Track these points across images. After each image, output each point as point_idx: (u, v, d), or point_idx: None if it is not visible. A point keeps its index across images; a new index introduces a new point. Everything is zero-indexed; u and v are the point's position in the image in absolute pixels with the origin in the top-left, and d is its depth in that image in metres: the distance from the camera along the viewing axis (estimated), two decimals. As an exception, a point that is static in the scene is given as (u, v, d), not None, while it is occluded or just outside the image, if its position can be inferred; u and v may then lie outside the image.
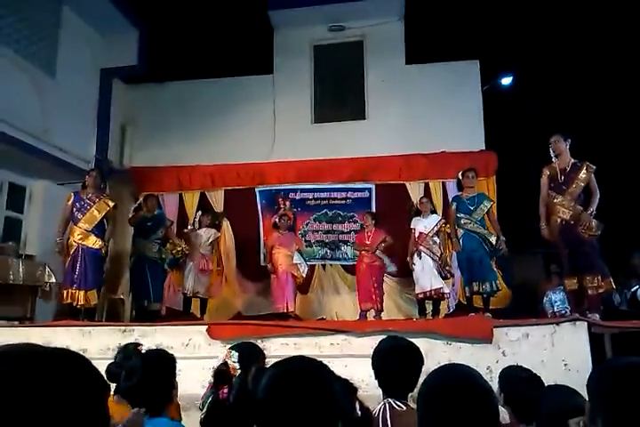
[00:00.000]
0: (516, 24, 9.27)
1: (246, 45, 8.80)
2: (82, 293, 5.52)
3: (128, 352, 2.61)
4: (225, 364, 2.21)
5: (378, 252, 6.73)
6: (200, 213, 7.54)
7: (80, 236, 5.62)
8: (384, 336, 3.68)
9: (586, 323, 3.68)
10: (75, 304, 5.51)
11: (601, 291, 4.45)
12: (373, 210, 7.93)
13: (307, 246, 7.98)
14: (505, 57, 9.42)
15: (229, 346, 2.37)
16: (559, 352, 3.64)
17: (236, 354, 2.24)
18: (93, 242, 5.68)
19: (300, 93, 8.74)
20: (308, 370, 1.19)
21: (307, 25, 8.66)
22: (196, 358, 3.79)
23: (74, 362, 0.74)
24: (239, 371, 2.18)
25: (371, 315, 6.58)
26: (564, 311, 5.95)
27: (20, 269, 5.52)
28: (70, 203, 5.74)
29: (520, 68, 9.73)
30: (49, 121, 6.96)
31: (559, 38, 9.19)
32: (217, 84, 8.90)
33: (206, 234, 7.18)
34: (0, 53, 6.32)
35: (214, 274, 7.68)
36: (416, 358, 2.03)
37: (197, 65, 9.00)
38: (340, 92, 8.89)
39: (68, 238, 5.67)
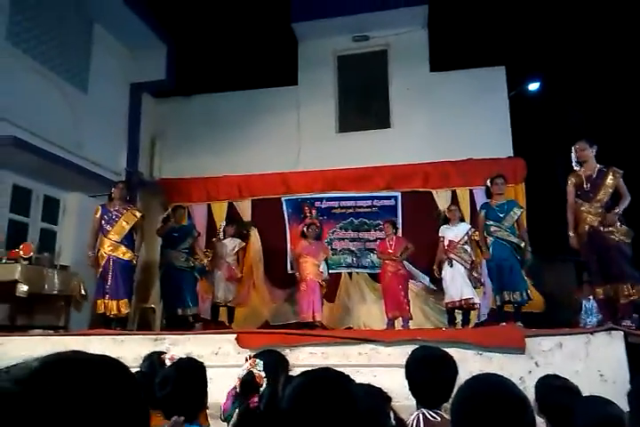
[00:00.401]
0: (541, 29, 9.20)
1: (271, 57, 8.94)
2: (114, 302, 5.64)
3: (153, 361, 2.64)
4: (250, 373, 2.22)
5: (405, 263, 6.72)
6: (224, 223, 7.65)
7: (110, 247, 5.76)
8: (412, 346, 3.68)
9: (622, 332, 3.58)
10: (108, 314, 5.63)
11: (632, 299, 4.33)
12: (399, 218, 7.93)
13: (333, 254, 7.99)
14: (531, 63, 9.33)
15: (253, 355, 2.38)
16: (594, 363, 3.54)
17: (261, 362, 2.25)
18: (123, 253, 5.81)
19: (324, 103, 8.80)
20: (332, 381, 1.19)
21: (330, 36, 8.75)
22: (226, 366, 3.81)
23: (123, 370, 0.76)
24: (265, 379, 2.19)
25: (398, 324, 6.53)
26: (596, 321, 5.82)
27: (55, 280, 5.66)
28: (98, 216, 5.87)
29: (547, 73, 9.62)
30: (81, 135, 7.18)
31: (586, 42, 9.07)
32: (243, 96, 9.05)
33: (231, 244, 7.28)
34: (35, 70, 6.56)
35: (242, 282, 7.76)
36: (450, 367, 2.00)
37: (224, 78, 9.17)
38: (364, 101, 8.93)
39: (99, 250, 5.81)
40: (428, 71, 8.56)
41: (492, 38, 8.94)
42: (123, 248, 5.82)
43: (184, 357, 2.64)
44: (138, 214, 6.00)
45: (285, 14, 8.69)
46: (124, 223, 5.86)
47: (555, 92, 9.85)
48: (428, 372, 1.98)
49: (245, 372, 2.23)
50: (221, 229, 7.50)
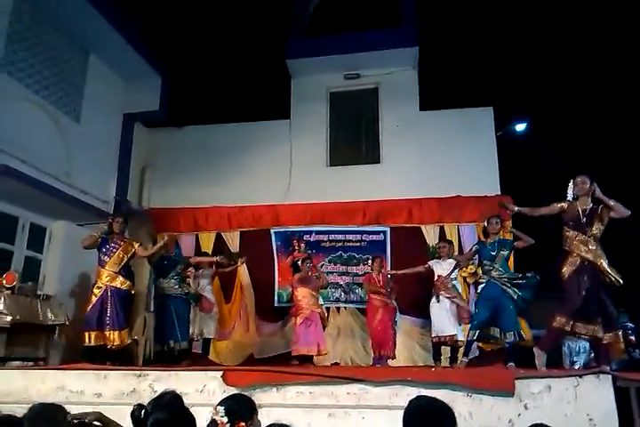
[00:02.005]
0: (528, 72, 9.52)
1: (264, 92, 9.10)
2: (116, 333, 5.57)
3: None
4: (213, 421, 2.23)
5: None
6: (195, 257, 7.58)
7: (108, 278, 5.74)
8: (402, 386, 3.63)
9: (610, 376, 3.57)
10: (109, 346, 5.54)
11: (606, 342, 4.36)
12: (388, 253, 7.97)
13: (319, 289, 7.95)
14: (518, 104, 9.60)
15: (218, 402, 2.38)
16: (584, 406, 3.51)
17: (222, 408, 2.26)
18: (121, 283, 5.80)
19: (315, 137, 8.92)
20: None
21: (323, 73, 8.95)
22: (211, 405, 3.73)
23: None
24: (228, 424, 2.21)
25: (383, 360, 6.47)
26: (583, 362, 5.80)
27: (38, 310, 5.56)
28: (98, 242, 5.85)
29: (534, 113, 9.88)
30: (72, 163, 7.18)
31: (572, 84, 9.38)
32: (235, 128, 9.15)
33: (204, 276, 7.18)
34: (29, 99, 6.60)
35: (229, 316, 7.66)
36: (449, 420, 1.94)
37: (217, 110, 9.30)
38: (355, 137, 9.07)
39: (96, 281, 5.76)
40: (418, 109, 8.75)
41: (481, 80, 9.23)
42: (121, 278, 5.82)
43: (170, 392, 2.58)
44: (136, 245, 6.05)
45: (280, 50, 8.90)
46: (122, 254, 5.89)
47: (541, 131, 10.10)
48: (425, 424, 1.93)
49: (209, 421, 2.24)
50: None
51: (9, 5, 6.33)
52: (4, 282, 5.46)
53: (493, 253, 5.38)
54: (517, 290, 5.25)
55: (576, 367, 5.60)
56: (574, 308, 4.49)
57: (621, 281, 4.42)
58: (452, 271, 6.45)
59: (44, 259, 6.95)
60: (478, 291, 5.45)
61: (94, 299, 5.64)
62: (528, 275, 5.43)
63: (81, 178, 7.25)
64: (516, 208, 5.23)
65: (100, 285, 5.69)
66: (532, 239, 5.43)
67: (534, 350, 4.58)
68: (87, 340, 5.52)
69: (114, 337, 5.55)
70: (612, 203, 4.53)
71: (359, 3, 9.34)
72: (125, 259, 5.86)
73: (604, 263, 4.46)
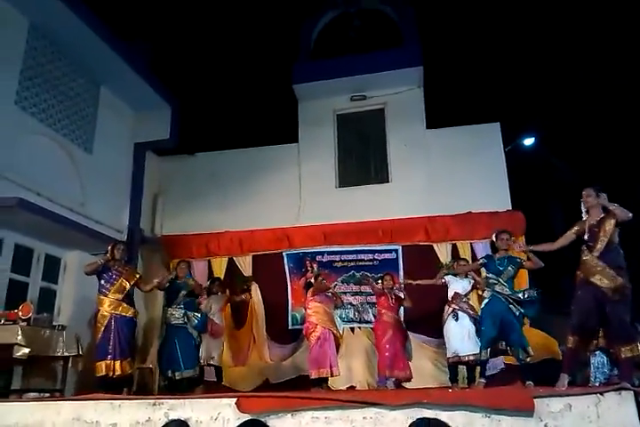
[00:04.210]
0: (533, 85, 9.54)
1: (272, 117, 9.24)
2: (118, 362, 5.53)
3: None
4: None
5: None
6: (209, 281, 7.58)
7: (111, 306, 5.72)
8: (419, 409, 3.56)
9: (632, 392, 3.47)
10: (112, 375, 5.49)
11: (628, 356, 4.22)
12: (400, 271, 7.93)
13: (334, 308, 7.89)
14: (525, 118, 9.62)
15: None
16: (605, 424, 3.41)
17: None
18: (126, 310, 5.79)
19: (324, 159, 8.99)
20: None
21: (329, 96, 9.06)
22: (225, 433, 3.69)
23: None
24: None
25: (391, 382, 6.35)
26: (603, 378, 5.64)
27: (54, 341, 5.57)
28: (99, 269, 5.87)
29: (541, 127, 9.88)
30: (85, 194, 7.31)
31: (576, 94, 9.39)
32: (245, 153, 9.26)
33: (216, 301, 7.17)
34: (42, 133, 6.75)
35: (243, 342, 7.61)
36: None
37: (226, 136, 9.44)
38: (363, 157, 9.12)
39: (99, 310, 5.77)
40: (425, 128, 8.78)
41: (486, 95, 9.28)
42: (124, 305, 5.81)
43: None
44: (137, 275, 6.05)
45: (286, 76, 9.05)
46: (125, 282, 5.88)
47: (550, 145, 10.08)
48: None
49: None
50: (205, 288, 7.35)
51: (22, 43, 6.54)
52: (20, 314, 5.49)
53: (501, 269, 5.32)
54: (520, 307, 5.18)
55: (596, 384, 5.43)
56: (575, 324, 4.41)
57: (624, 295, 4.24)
58: (470, 291, 6.38)
59: (58, 289, 7.00)
60: (482, 306, 5.36)
61: (101, 328, 5.64)
62: (529, 292, 5.35)
63: (95, 208, 7.37)
64: (530, 247, 5.08)
65: (105, 313, 5.67)
66: (542, 263, 5.32)
67: (560, 375, 4.44)
68: (99, 370, 5.50)
69: (116, 367, 5.51)
70: (611, 207, 4.38)
71: (362, 25, 9.51)
72: (128, 287, 5.86)
73: (597, 278, 4.33)
